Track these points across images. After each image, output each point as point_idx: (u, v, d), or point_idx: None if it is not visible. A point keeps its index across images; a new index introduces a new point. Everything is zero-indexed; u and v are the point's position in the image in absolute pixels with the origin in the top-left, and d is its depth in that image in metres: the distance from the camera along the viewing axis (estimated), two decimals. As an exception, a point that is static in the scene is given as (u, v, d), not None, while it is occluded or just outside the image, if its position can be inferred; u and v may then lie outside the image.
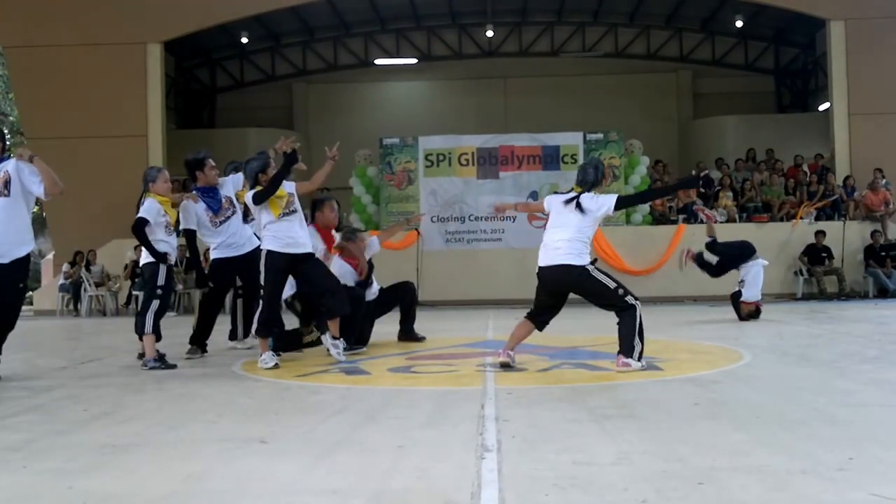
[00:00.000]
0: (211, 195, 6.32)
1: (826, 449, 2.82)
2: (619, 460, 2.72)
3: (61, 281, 15.02)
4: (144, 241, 5.68)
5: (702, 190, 13.95)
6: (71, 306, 14.92)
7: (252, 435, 3.27)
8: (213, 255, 6.44)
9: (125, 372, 5.56)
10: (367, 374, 5.12)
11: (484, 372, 5.03)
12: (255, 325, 5.57)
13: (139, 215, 5.68)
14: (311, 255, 5.64)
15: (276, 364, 5.37)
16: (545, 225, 5.27)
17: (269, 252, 5.47)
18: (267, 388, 4.63)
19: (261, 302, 5.54)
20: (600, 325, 8.62)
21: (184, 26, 16.05)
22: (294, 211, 5.58)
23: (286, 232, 5.49)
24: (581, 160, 14.36)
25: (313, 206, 6.52)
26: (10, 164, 5.18)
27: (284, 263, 5.49)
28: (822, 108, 17.88)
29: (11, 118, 26.23)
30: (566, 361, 5.50)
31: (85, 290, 14.44)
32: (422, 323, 7.16)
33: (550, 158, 14.44)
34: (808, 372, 4.86)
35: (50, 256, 17.81)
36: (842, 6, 15.65)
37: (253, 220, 6.06)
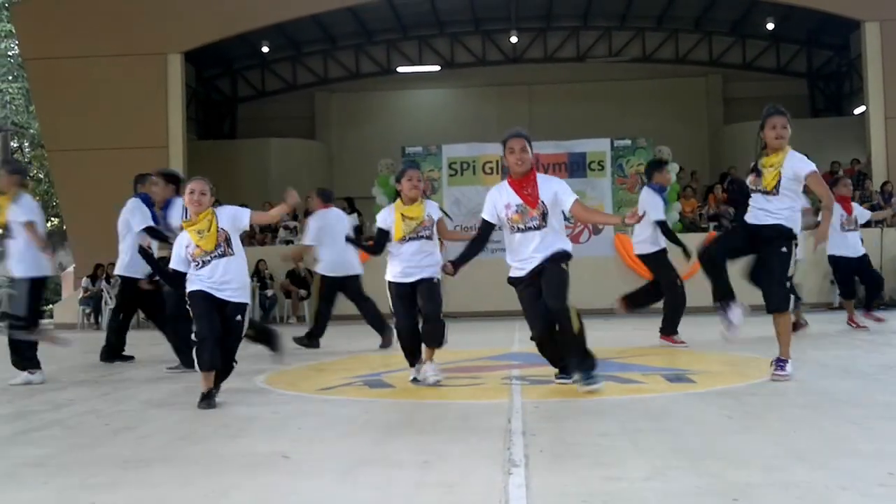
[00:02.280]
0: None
1: (866, 464, 2.73)
2: (651, 476, 2.65)
3: (81, 295, 15.15)
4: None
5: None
6: (91, 319, 15.06)
7: (275, 450, 3.23)
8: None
9: (147, 386, 5.56)
10: (392, 388, 5.08)
11: (510, 385, 4.96)
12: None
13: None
14: (427, 280, 5.08)
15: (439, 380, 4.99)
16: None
17: (389, 283, 5.10)
18: (290, 403, 4.59)
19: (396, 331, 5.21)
20: (629, 337, 8.53)
21: (204, 36, 16.19)
22: (422, 237, 5.05)
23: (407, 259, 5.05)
24: (608, 167, 14.24)
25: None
26: None
27: (404, 291, 5.04)
28: (857, 111, 17.59)
29: (32, 130, 26.72)
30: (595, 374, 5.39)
31: (106, 303, 14.55)
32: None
33: (577, 166, 14.31)
34: (846, 384, 4.73)
35: (70, 269, 18.03)
36: (876, 7, 15.39)
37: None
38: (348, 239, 6.32)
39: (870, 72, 15.43)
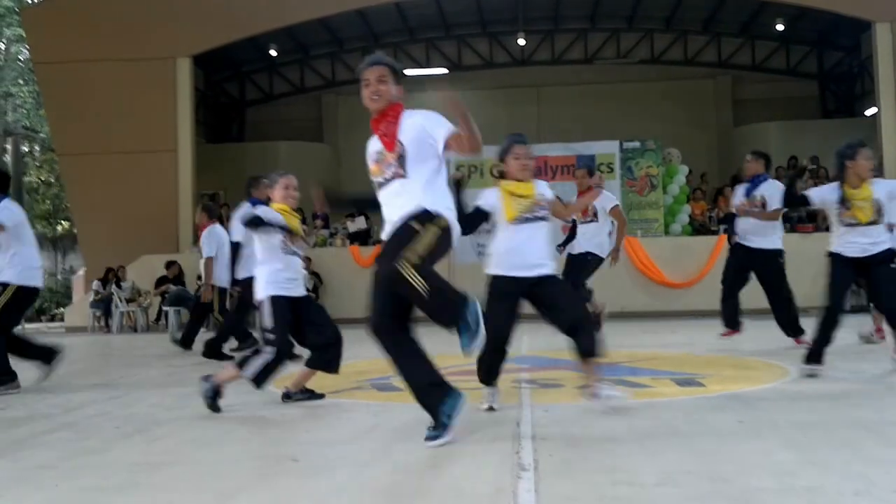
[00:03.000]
0: None
1: (879, 469, 2.71)
2: (661, 481, 2.63)
3: (92, 298, 15.23)
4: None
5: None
6: (102, 322, 15.14)
7: (284, 453, 3.24)
8: None
9: (157, 389, 5.58)
10: (400, 391, 5.05)
11: (520, 388, 4.95)
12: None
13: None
14: (549, 277, 4.07)
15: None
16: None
17: (494, 277, 4.07)
18: (299, 406, 4.60)
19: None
20: (638, 342, 8.50)
21: (213, 40, 16.22)
22: (540, 218, 4.05)
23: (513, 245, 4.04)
24: (618, 169, 14.20)
25: None
26: None
27: (511, 288, 3.97)
28: (868, 112, 17.47)
29: (42, 134, 26.85)
30: (604, 378, 5.37)
31: (116, 306, 14.64)
32: (453, 337, 7.05)
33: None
34: (858, 388, 4.70)
35: (81, 273, 18.12)
36: (888, 7, 15.29)
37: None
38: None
39: (881, 73, 15.33)
